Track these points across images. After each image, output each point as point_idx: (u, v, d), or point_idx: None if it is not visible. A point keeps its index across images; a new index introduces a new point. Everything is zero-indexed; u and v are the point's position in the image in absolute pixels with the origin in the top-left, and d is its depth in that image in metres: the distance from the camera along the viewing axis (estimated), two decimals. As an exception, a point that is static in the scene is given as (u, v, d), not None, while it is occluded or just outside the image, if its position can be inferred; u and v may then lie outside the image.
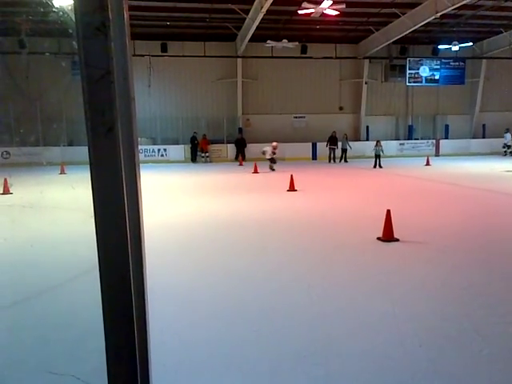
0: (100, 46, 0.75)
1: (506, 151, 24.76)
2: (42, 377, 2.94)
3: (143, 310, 0.89)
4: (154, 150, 23.59)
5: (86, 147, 0.81)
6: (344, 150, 22.82)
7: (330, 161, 22.94)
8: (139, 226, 0.90)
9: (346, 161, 22.73)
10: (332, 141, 22.88)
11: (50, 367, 3.03)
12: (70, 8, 0.83)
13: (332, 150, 22.87)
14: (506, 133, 24.75)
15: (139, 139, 23.87)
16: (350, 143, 23.02)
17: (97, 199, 0.79)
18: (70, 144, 21.63)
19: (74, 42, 0.84)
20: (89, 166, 0.77)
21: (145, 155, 23.04)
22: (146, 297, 0.92)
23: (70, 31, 0.93)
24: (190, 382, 3.03)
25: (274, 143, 18.16)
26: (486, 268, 5.41)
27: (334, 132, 23.04)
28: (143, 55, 22.40)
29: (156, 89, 24.23)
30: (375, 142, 20.04)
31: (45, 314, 4.06)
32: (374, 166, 19.16)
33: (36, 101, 21.57)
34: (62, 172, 16.56)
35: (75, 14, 0.78)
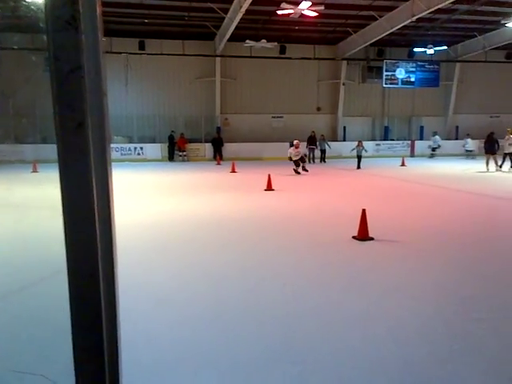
0: (70, 40, 0.74)
1: (432, 154, 24.99)
2: (11, 376, 2.87)
3: (113, 309, 0.88)
4: (130, 149, 23.31)
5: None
6: (323, 151, 22.86)
7: (309, 161, 22.69)
8: (110, 224, 0.89)
9: (324, 161, 22.75)
10: (311, 141, 22.86)
11: (19, 366, 2.96)
12: (41, 1, 0.81)
13: (311, 151, 22.77)
14: (434, 136, 25.16)
15: (115, 137, 23.57)
16: (329, 143, 23.14)
17: (65, 197, 0.77)
18: (44, 141, 21.17)
19: (44, 37, 0.82)
20: (58, 162, 0.76)
21: (121, 154, 22.75)
22: (117, 296, 0.91)
23: (41, 25, 0.91)
24: (165, 382, 3.01)
25: (295, 141, 16.90)
26: (459, 266, 5.53)
27: (313, 132, 23.06)
28: (120, 53, 22.10)
29: (133, 87, 23.93)
30: (356, 143, 19.76)
31: (14, 314, 3.97)
32: (358, 167, 18.85)
33: (9, 98, 21.04)
34: (35, 170, 16.20)
35: (45, 7, 0.76)
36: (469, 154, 24.14)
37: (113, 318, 0.87)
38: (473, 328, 3.77)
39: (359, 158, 19.12)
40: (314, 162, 22.53)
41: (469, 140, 24.21)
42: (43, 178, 13.15)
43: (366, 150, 19.70)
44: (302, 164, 16.62)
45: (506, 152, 17.42)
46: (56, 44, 0.74)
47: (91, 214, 0.79)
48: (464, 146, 24.35)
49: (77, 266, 0.78)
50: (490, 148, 17.44)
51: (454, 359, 3.25)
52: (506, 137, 17.58)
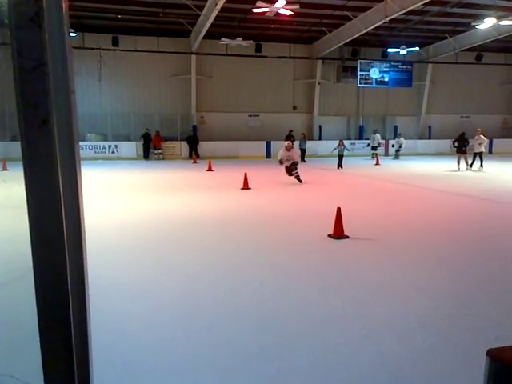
0: (34, 37, 0.73)
1: (396, 155, 24.02)
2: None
3: (83, 308, 0.87)
4: (104, 147, 22.94)
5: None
6: (303, 150, 22.46)
7: None
8: (79, 223, 0.88)
9: (304, 160, 22.16)
10: (288, 139, 22.66)
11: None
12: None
13: None
14: (375, 134, 23.95)
15: (89, 135, 23.14)
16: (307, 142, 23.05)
17: (30, 195, 0.76)
18: (13, 139, 20.60)
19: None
20: (22, 160, 0.74)
21: (95, 152, 22.37)
22: (87, 295, 0.90)
23: (6, 21, 0.89)
24: (140, 382, 2.98)
25: (287, 142, 14.08)
26: (432, 264, 5.66)
27: (291, 131, 22.91)
28: (93, 48, 21.70)
29: (107, 84, 23.54)
30: (338, 142, 19.46)
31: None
32: (338, 167, 18.53)
33: (-23, 93, 20.39)
34: (4, 168, 15.78)
35: (8, 4, 0.75)
36: (374, 153, 23.19)
37: (82, 318, 0.86)
38: (444, 324, 3.86)
39: (340, 157, 18.84)
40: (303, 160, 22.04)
41: (377, 136, 23.54)
42: (12, 176, 12.81)
43: (347, 149, 19.53)
44: (294, 173, 13.46)
45: (476, 152, 17.88)
46: (19, 40, 0.73)
47: (58, 212, 0.78)
48: (375, 142, 23.46)
49: (43, 264, 0.77)
50: (461, 147, 17.87)
51: (424, 353, 3.33)
52: (476, 137, 18.06)
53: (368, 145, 23.95)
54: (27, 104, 0.74)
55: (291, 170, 13.43)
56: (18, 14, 0.72)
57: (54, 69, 0.79)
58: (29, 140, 0.75)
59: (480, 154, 17.74)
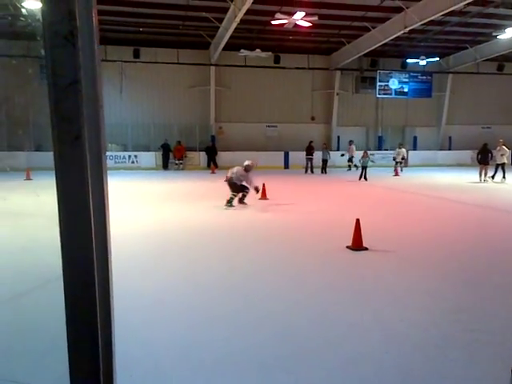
0: (68, 56, 0.76)
1: (398, 165, 22.04)
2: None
3: (108, 317, 0.89)
4: (124, 157, 23.28)
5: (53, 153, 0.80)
6: (324, 161, 21.97)
7: (306, 171, 21.94)
8: (105, 233, 0.90)
9: (325, 172, 21.80)
10: (308, 151, 22.08)
11: (11, 377, 2.94)
12: (39, 14, 0.82)
13: (309, 161, 21.98)
14: (400, 148, 22.54)
15: (109, 145, 23.52)
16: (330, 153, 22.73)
17: (62, 207, 0.79)
18: (37, 149, 21.09)
19: (41, 50, 0.83)
20: (54, 173, 0.77)
21: (115, 162, 22.70)
22: (112, 304, 0.92)
23: (38, 38, 0.92)
24: (157, 393, 2.99)
25: (250, 162, 11.17)
26: (451, 276, 5.56)
27: (311, 141, 22.50)
28: (115, 61, 22.14)
29: (128, 95, 23.96)
30: (362, 153, 18.84)
31: (7, 322, 3.93)
32: (360, 178, 17.91)
33: (1, 105, 20.97)
34: (28, 178, 16.12)
35: (43, 23, 0.78)
36: (350, 165, 23.01)
37: (108, 327, 0.88)
38: (468, 338, 3.78)
39: (364, 168, 18.17)
40: (312, 172, 21.76)
41: (403, 150, 22.79)
42: (37, 185, 13.08)
43: (372, 161, 18.86)
44: (242, 194, 11.06)
45: (498, 163, 17.58)
46: (54, 59, 0.75)
47: (88, 224, 0.80)
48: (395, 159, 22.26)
49: (73, 274, 0.79)
50: (484, 159, 17.62)
51: (448, 368, 3.26)
52: (498, 147, 17.77)
53: (394, 158, 22.36)
54: (61, 120, 0.77)
55: (236, 191, 10.90)
56: (52, 33, 0.75)
57: (85, 85, 0.81)
58: (62, 154, 0.78)
59: (502, 166, 17.43)
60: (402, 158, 22.14)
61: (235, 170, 11.00)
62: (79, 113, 0.78)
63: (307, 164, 22.02)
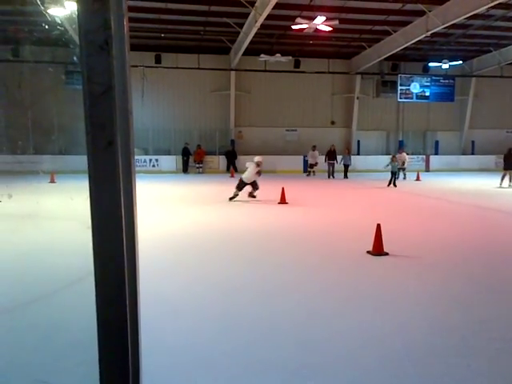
0: (103, 63, 0.78)
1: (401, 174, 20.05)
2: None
3: (136, 318, 0.91)
4: (145, 160, 23.59)
5: (77, 156, 0.83)
6: (346, 166, 21.29)
7: (329, 176, 21.34)
8: (134, 236, 0.93)
9: (346, 177, 21.12)
10: (330, 155, 21.57)
11: (38, 376, 3.00)
12: (73, 24, 0.85)
13: (331, 165, 21.43)
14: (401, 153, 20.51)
15: (131, 149, 23.86)
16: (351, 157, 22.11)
17: (95, 211, 0.81)
18: (61, 153, 21.53)
19: (74, 57, 0.86)
20: (87, 177, 0.79)
21: (137, 165, 23.00)
22: (139, 307, 0.94)
23: (71, 46, 0.95)
24: (178, 395, 3.02)
25: (260, 158, 13.01)
26: (474, 282, 5.46)
27: (333, 146, 22.00)
28: (137, 66, 22.47)
29: (149, 99, 24.27)
30: (390, 158, 18.06)
31: (34, 322, 4.02)
32: (389, 184, 17.16)
33: (28, 109, 21.49)
34: (52, 181, 16.46)
35: (79, 31, 0.80)
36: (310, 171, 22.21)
37: (135, 328, 0.90)
38: (490, 347, 3.71)
39: (393, 174, 17.33)
40: (333, 177, 21.23)
41: (316, 153, 22.21)
42: (62, 188, 13.33)
43: (404, 167, 17.95)
44: (253, 191, 12.80)
45: None
46: (89, 67, 0.78)
47: (119, 228, 0.83)
48: (340, 162, 21.25)
49: (105, 278, 0.81)
50: (509, 164, 17.21)
51: (469, 378, 3.20)
52: None
53: (386, 166, 20.12)
54: (95, 126, 0.79)
55: (251, 186, 12.63)
56: (88, 42, 0.78)
57: (117, 92, 0.84)
58: (95, 160, 0.80)
59: None
60: (403, 164, 19.80)
61: (247, 171, 12.65)
62: (112, 119, 0.81)
63: (329, 169, 21.47)
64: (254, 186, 12.67)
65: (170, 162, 23.94)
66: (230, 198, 12.50)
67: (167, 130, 24.67)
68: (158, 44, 22.93)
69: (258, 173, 12.58)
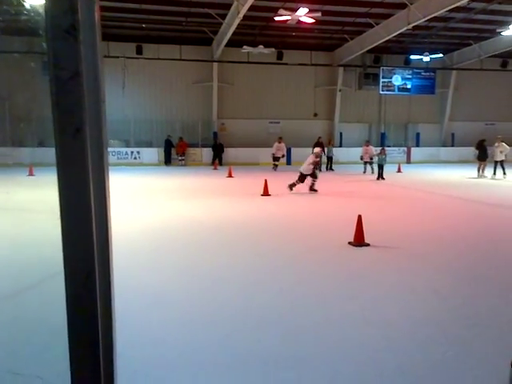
0: (69, 49, 0.76)
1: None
2: (8, 377, 2.87)
3: (109, 309, 0.90)
4: (127, 153, 23.31)
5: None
6: (330, 158, 21.26)
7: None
8: (106, 226, 0.91)
9: (331, 169, 21.10)
10: (318, 147, 21.46)
11: (16, 368, 2.96)
12: (41, 9, 0.83)
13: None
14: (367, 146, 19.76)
15: (112, 141, 23.55)
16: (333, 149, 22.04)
17: (63, 200, 0.79)
18: (40, 145, 21.14)
19: (43, 43, 0.84)
20: (56, 166, 0.78)
21: (118, 158, 22.74)
22: (113, 296, 0.93)
23: (41, 32, 0.93)
24: (160, 382, 3.01)
25: (318, 149, 13.91)
26: (453, 272, 5.56)
27: (320, 138, 21.80)
28: (118, 57, 22.13)
29: (130, 91, 23.95)
30: (379, 150, 17.75)
31: (12, 315, 3.96)
32: (378, 178, 16.90)
33: (5, 101, 21.05)
34: (31, 174, 16.18)
35: (45, 16, 0.78)
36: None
37: (108, 318, 0.89)
38: (469, 334, 3.79)
39: (380, 167, 16.97)
40: (320, 170, 19.98)
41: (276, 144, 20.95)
42: (40, 181, 13.13)
43: (385, 160, 17.34)
44: (312, 181, 13.00)
45: (497, 160, 17.53)
46: (55, 52, 0.76)
47: (88, 217, 0.81)
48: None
49: (74, 266, 0.80)
50: (481, 155, 17.70)
51: (447, 366, 3.27)
52: (496, 144, 17.73)
53: (361, 158, 19.65)
54: (62, 113, 0.77)
55: (311, 177, 12.90)
56: (54, 26, 0.76)
57: (87, 79, 0.82)
58: (63, 147, 0.79)
59: (501, 162, 17.40)
60: (371, 158, 19.09)
61: (306, 163, 12.81)
62: (80, 106, 0.79)
63: None
64: (314, 176, 12.88)
65: (152, 154, 23.70)
66: (290, 186, 12.79)
67: (149, 121, 24.40)
68: (139, 35, 22.61)
69: (315, 163, 12.91)
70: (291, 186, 12.79)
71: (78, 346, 0.81)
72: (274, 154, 21.35)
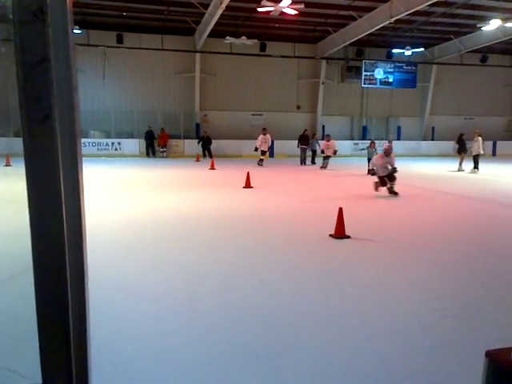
0: (37, 32, 0.73)
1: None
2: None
3: (83, 303, 0.87)
4: (107, 144, 22.99)
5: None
6: (314, 151, 20.66)
7: (301, 163, 20.23)
8: (80, 218, 0.88)
9: (314, 162, 20.42)
10: (303, 140, 20.50)
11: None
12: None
13: (303, 151, 20.41)
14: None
15: (92, 132, 23.19)
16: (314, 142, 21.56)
17: (31, 190, 0.76)
18: (17, 135, 20.63)
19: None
20: (23, 154, 0.75)
21: (98, 148, 22.42)
22: (87, 290, 0.90)
23: (11, 17, 0.89)
24: (138, 376, 2.99)
25: (386, 145, 12.55)
26: (433, 264, 5.65)
27: (306, 130, 21.52)
28: (98, 45, 21.73)
29: (111, 81, 23.57)
30: (369, 143, 17.32)
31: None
32: (369, 172, 15.78)
33: (-19, 88, 20.48)
34: (8, 164, 15.83)
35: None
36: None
37: (82, 312, 0.87)
38: (446, 325, 3.86)
39: (370, 160, 16.09)
40: (305, 163, 20.37)
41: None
42: (17, 172, 12.85)
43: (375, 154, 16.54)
44: (389, 183, 11.08)
45: (475, 154, 17.83)
46: (23, 36, 0.73)
47: (58, 208, 0.79)
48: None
49: (44, 259, 0.77)
50: (463, 148, 18.07)
51: (424, 355, 3.32)
52: (475, 138, 18.04)
53: (322, 151, 19.10)
54: (30, 99, 0.74)
55: (387, 179, 10.98)
56: (21, 9, 0.73)
57: (57, 64, 0.79)
58: (31, 134, 0.76)
59: (476, 157, 17.74)
60: (334, 153, 18.38)
61: (377, 163, 11.22)
62: (48, 92, 0.76)
63: (301, 155, 20.47)
64: (391, 178, 11.00)
65: (133, 145, 23.42)
66: (375, 187, 11.19)
67: (130, 112, 24.07)
68: (119, 23, 22.21)
69: (387, 154, 11.10)
70: (390, 190, 11.07)
71: (48, 341, 0.79)
72: (258, 147, 19.80)
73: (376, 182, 11.17)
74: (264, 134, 19.85)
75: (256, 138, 20.24)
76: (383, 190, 11.19)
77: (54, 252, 0.78)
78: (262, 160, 19.42)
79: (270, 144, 20.23)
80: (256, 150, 19.85)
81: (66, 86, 0.85)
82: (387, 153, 11.15)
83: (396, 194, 10.96)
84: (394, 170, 11.08)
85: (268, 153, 20.36)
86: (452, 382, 3.05)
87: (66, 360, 0.80)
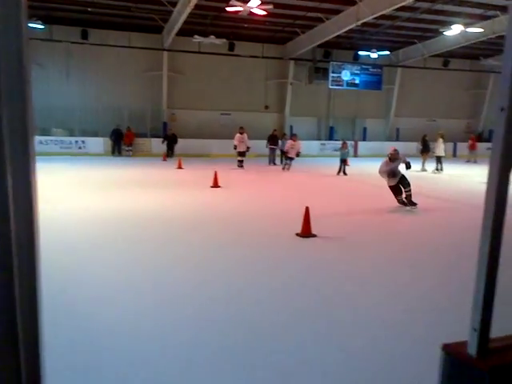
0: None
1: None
2: None
3: (34, 307, 0.83)
4: (71, 142, 22.33)
5: None
6: (283, 151, 19.90)
7: (270, 163, 20.17)
8: (32, 219, 0.84)
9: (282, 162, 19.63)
10: (272, 140, 20.54)
11: None
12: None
13: (272, 151, 20.48)
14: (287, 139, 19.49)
15: (54, 130, 22.51)
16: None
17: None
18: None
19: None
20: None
21: (60, 147, 21.76)
22: (39, 293, 0.86)
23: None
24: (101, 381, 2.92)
25: (392, 149, 10.33)
26: (394, 260, 5.78)
27: (275, 130, 21.52)
28: (61, 41, 21.13)
29: (75, 78, 22.96)
30: (341, 144, 17.17)
31: None
32: (338, 172, 16.33)
33: None
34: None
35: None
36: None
37: (33, 318, 0.82)
38: (403, 318, 3.94)
39: (343, 162, 16.36)
40: (274, 163, 20.25)
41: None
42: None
43: (349, 154, 16.38)
44: (406, 191, 9.68)
45: (438, 155, 18.37)
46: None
47: (4, 208, 0.75)
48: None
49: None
50: (426, 149, 18.64)
51: (384, 348, 3.38)
52: (438, 139, 18.61)
53: (283, 152, 18.93)
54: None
55: (402, 187, 9.68)
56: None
57: (7, 58, 0.75)
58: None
59: (439, 157, 18.30)
60: (297, 155, 17.92)
61: (381, 169, 10.01)
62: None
63: (271, 154, 20.40)
64: (404, 185, 9.71)
65: (98, 144, 22.84)
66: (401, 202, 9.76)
67: (95, 110, 23.48)
68: (84, 18, 21.62)
69: (390, 171, 9.73)
70: (410, 201, 9.64)
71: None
72: (236, 148, 18.71)
73: (397, 199, 9.74)
74: (241, 133, 18.93)
75: (226, 138, 20.16)
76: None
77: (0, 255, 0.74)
78: (240, 161, 18.43)
79: (248, 144, 18.93)
80: (235, 148, 18.82)
81: (17, 79, 0.81)
82: (392, 158, 9.84)
83: (415, 204, 9.54)
84: (408, 165, 10.09)
85: (246, 153, 18.84)
86: (407, 373, 3.11)
87: (16, 369, 0.76)
